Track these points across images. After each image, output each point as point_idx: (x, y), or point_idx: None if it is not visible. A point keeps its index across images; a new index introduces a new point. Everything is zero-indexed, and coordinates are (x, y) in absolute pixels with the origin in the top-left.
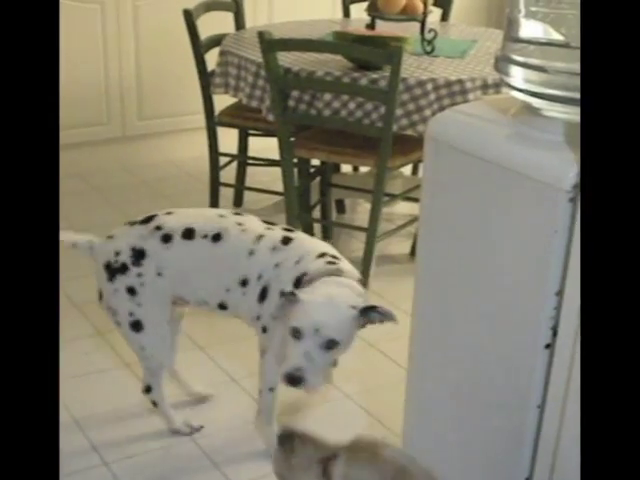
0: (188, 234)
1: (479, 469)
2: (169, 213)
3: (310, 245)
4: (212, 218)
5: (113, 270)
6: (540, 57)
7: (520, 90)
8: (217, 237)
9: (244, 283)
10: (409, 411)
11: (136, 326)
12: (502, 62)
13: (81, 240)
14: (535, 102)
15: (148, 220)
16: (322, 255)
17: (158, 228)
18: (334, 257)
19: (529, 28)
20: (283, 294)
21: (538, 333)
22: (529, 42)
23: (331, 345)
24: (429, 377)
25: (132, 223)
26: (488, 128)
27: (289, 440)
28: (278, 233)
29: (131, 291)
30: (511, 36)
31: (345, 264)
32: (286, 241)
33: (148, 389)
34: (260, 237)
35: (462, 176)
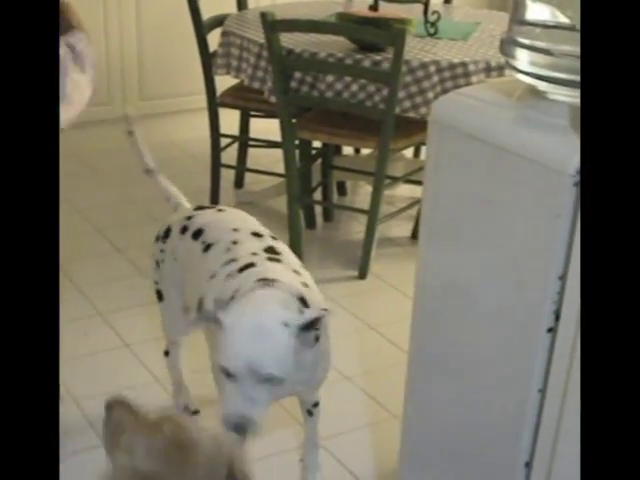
0: (195, 234)
1: (479, 452)
2: (220, 210)
3: (258, 272)
4: (225, 227)
5: (157, 236)
6: (546, 40)
7: (525, 73)
8: (207, 248)
9: (200, 304)
10: (409, 393)
11: (157, 295)
12: (508, 44)
13: (174, 199)
14: (540, 85)
15: (197, 209)
16: (261, 280)
17: (188, 218)
18: (274, 280)
19: (536, 10)
20: (202, 313)
21: (541, 317)
22: (535, 25)
23: (272, 380)
24: (430, 359)
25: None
26: (492, 111)
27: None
28: (250, 259)
29: (157, 262)
30: (517, 19)
31: (283, 283)
32: (242, 269)
33: (167, 353)
34: (230, 261)
35: (466, 159)
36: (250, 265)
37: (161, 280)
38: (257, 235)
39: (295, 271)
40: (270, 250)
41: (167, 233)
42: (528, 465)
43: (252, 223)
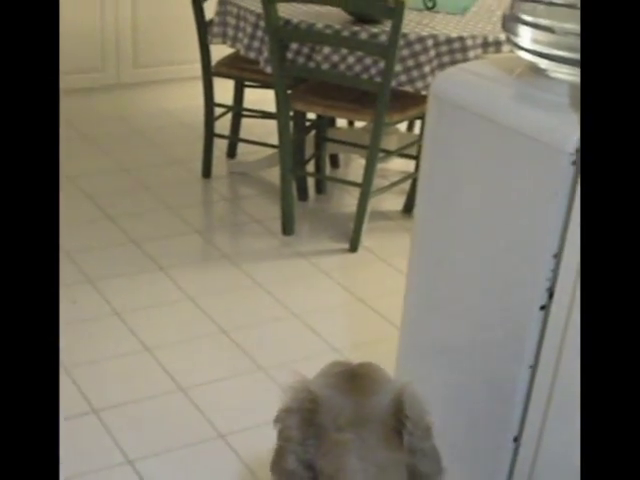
0: None
1: (468, 426)
2: None
3: None
4: None
5: None
6: (549, 17)
7: (527, 50)
8: None
9: None
10: (400, 366)
11: None
12: (510, 21)
13: None
14: (542, 63)
15: None
16: None
17: None
18: None
19: None
20: None
21: (534, 294)
22: (538, 2)
23: None
24: (422, 334)
25: None
26: (493, 87)
27: None
28: None
29: None
30: None
31: None
32: None
33: None
34: None
35: (465, 134)
36: None
37: None
38: None
39: None
40: None
41: None
42: (516, 440)
43: None
